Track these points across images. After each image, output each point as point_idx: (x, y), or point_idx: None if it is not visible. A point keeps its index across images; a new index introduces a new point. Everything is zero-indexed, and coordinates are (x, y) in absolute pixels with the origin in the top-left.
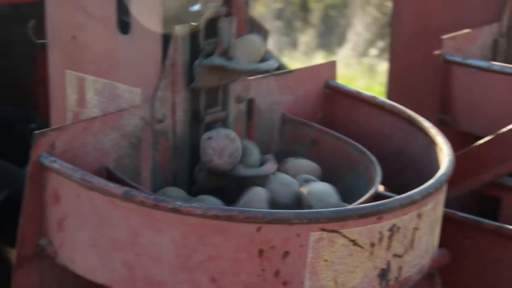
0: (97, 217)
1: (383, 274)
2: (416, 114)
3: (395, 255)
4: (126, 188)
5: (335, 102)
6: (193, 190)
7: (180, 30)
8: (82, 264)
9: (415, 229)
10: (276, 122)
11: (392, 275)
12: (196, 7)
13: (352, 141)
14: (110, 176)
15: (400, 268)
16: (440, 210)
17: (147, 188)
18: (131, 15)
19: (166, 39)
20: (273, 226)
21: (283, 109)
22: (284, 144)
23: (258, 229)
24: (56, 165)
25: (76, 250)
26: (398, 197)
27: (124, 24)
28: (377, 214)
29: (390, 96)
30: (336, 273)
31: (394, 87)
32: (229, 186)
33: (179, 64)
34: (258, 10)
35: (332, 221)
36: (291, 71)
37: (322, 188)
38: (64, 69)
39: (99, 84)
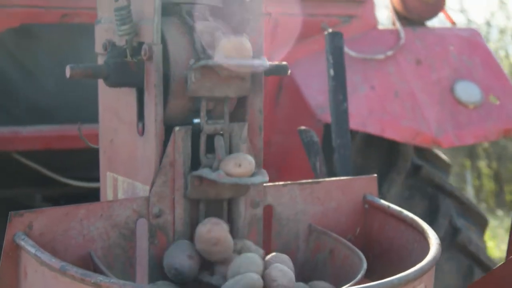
0: None
1: None
2: (427, 226)
3: None
4: (63, 263)
5: (373, 217)
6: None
7: (179, 131)
8: None
9: None
10: (301, 232)
11: None
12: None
13: (357, 250)
14: (93, 262)
15: None
16: None
17: (143, 282)
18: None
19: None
20: None
21: (310, 220)
22: (310, 254)
23: None
24: (22, 243)
25: None
26: None
27: (143, 127)
28: None
29: None
30: None
31: None
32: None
33: (178, 163)
34: None
35: None
36: (318, 182)
37: None
38: (106, 171)
39: (126, 184)
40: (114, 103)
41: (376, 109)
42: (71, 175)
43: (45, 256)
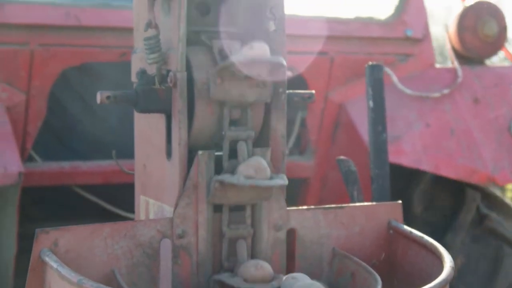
0: None
1: None
2: (445, 251)
3: None
4: (80, 277)
5: (397, 243)
6: None
7: (202, 155)
8: None
9: None
10: (325, 255)
11: None
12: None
13: (374, 273)
14: (116, 279)
15: None
16: None
17: None
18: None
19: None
20: None
21: (334, 243)
22: (333, 278)
23: None
24: (47, 259)
25: None
26: None
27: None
28: None
29: None
30: None
31: None
32: None
33: (201, 186)
34: None
35: None
36: (341, 207)
37: None
38: (140, 195)
39: (156, 207)
40: (146, 129)
41: (431, 146)
42: (131, 209)
43: (65, 271)
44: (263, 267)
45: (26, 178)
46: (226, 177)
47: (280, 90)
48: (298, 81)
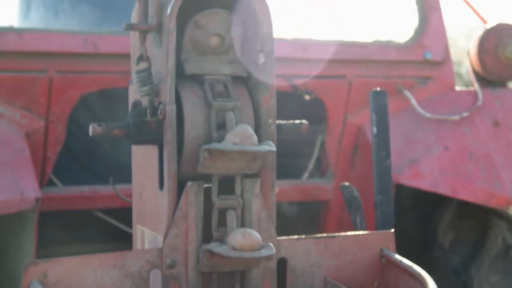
0: None
1: None
2: (432, 282)
3: None
4: None
5: (389, 272)
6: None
7: (191, 186)
8: None
9: None
10: (316, 284)
11: None
12: None
13: None
14: None
15: None
16: None
17: None
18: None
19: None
20: None
21: (326, 272)
22: None
23: None
24: None
25: None
26: None
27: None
28: None
29: None
30: None
31: None
32: None
33: (191, 216)
34: None
35: None
36: (333, 236)
37: None
38: (136, 224)
39: (150, 236)
40: (141, 159)
41: (450, 169)
42: None
43: None
44: (251, 235)
45: (47, 202)
46: (214, 145)
47: (270, 121)
48: (316, 105)
